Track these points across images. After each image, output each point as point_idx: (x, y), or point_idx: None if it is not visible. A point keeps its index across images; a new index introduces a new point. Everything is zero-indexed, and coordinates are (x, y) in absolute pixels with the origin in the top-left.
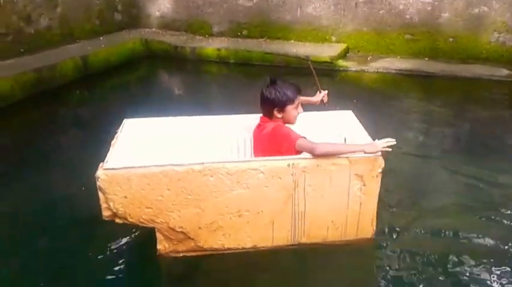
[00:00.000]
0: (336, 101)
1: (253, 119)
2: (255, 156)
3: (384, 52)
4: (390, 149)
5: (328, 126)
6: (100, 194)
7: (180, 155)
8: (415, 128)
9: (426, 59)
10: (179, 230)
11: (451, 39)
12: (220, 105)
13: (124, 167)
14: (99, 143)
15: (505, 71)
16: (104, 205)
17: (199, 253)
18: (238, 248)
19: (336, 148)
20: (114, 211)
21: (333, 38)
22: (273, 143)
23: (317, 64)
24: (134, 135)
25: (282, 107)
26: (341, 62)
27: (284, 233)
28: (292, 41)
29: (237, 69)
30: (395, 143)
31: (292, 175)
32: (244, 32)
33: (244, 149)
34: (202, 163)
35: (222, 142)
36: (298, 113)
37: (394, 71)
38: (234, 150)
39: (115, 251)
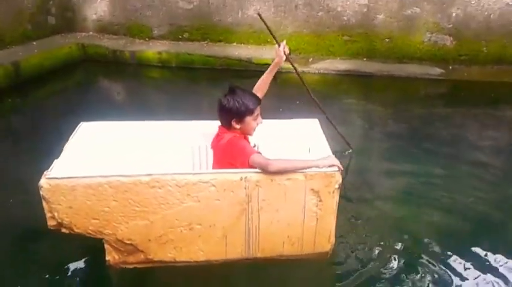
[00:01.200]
0: (279, 103)
1: (213, 126)
2: (213, 166)
3: (324, 53)
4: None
5: (291, 135)
6: (44, 204)
7: (134, 161)
8: (356, 127)
9: (364, 59)
10: (128, 242)
11: (387, 40)
12: (162, 111)
13: (68, 177)
14: (34, 152)
15: (438, 70)
16: (48, 215)
17: (149, 265)
18: (190, 261)
19: (289, 164)
20: (59, 221)
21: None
22: (227, 155)
23: (259, 66)
24: (88, 139)
25: (240, 117)
26: (283, 64)
27: (238, 248)
28: (234, 43)
29: (179, 73)
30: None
31: (245, 188)
32: (186, 35)
33: (199, 156)
34: (150, 175)
35: (180, 149)
36: (258, 124)
37: (334, 72)
38: (189, 157)
39: (62, 261)
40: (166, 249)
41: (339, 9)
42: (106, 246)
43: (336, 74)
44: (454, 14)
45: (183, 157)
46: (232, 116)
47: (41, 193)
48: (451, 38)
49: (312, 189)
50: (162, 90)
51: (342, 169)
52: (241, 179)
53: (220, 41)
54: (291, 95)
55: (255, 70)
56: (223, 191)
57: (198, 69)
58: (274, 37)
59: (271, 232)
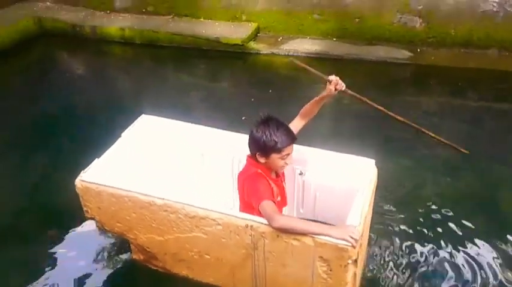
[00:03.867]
0: (251, 90)
1: None
2: (238, 192)
3: (294, 32)
4: (357, 240)
5: (335, 174)
6: (80, 198)
7: (176, 165)
8: (327, 117)
9: (334, 39)
10: (148, 249)
11: (357, 20)
12: (126, 96)
13: (95, 183)
14: None
15: (406, 53)
16: (84, 208)
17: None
18: (202, 282)
19: (297, 225)
20: (91, 217)
21: (243, 17)
22: (244, 191)
23: (228, 47)
24: (140, 134)
25: (265, 152)
26: (252, 45)
27: (246, 284)
28: (202, 19)
29: (143, 50)
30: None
31: (250, 236)
32: (150, 8)
33: (238, 170)
34: (163, 199)
35: (223, 158)
36: (286, 164)
37: (303, 55)
38: (229, 169)
39: (92, 250)
40: (181, 266)
41: None
42: (131, 246)
43: (305, 57)
44: None
45: (223, 167)
46: (258, 148)
47: (76, 189)
48: (421, 20)
49: (321, 257)
50: (125, 71)
51: (356, 244)
52: (246, 226)
53: (186, 15)
54: (262, 82)
55: (223, 50)
56: (229, 233)
57: (163, 48)
58: (319, 74)
59: (279, 282)
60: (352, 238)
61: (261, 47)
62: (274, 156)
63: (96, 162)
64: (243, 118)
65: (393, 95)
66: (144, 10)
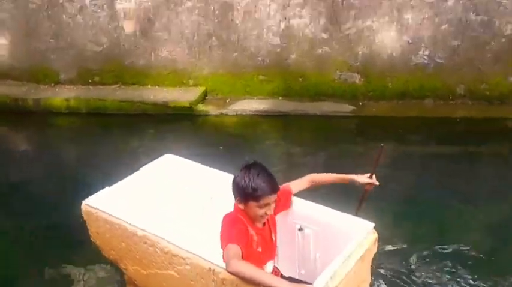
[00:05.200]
0: (200, 149)
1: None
2: None
3: (241, 94)
4: None
5: (334, 235)
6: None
7: (182, 207)
8: (277, 171)
9: (280, 98)
10: (135, 283)
11: (300, 79)
12: (75, 163)
13: (94, 207)
14: None
15: (349, 107)
16: (88, 232)
17: None
18: None
19: (248, 272)
20: (93, 241)
21: (190, 82)
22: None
23: (176, 110)
24: (158, 171)
25: (244, 198)
26: (201, 107)
27: None
28: (149, 86)
29: (90, 120)
30: None
31: (213, 281)
32: (96, 79)
33: None
34: (144, 230)
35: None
36: (267, 214)
37: (251, 113)
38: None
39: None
40: None
41: (253, 49)
42: (125, 276)
43: (253, 115)
44: (360, 53)
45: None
46: (237, 193)
47: (82, 213)
48: (359, 76)
49: None
50: (72, 141)
51: None
52: (209, 269)
53: (134, 84)
54: (212, 140)
55: (171, 114)
56: (196, 275)
57: (111, 116)
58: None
59: None
60: None
61: (209, 109)
62: (252, 204)
63: (106, 190)
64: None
65: (340, 145)
66: (90, 81)
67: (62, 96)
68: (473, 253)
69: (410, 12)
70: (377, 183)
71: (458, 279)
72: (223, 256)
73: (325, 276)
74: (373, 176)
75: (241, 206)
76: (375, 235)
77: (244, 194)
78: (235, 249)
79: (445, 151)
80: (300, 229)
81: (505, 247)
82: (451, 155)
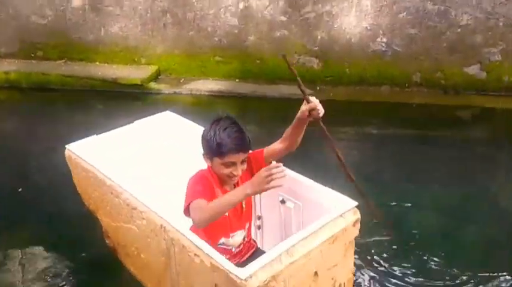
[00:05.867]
0: None
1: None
2: None
3: (196, 74)
4: (282, 178)
5: (316, 210)
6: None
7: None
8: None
9: (237, 80)
10: (108, 235)
11: (258, 61)
12: (15, 138)
13: (74, 153)
14: None
15: (307, 91)
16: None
17: None
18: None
19: (209, 212)
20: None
21: (143, 60)
22: None
23: (127, 87)
24: (151, 127)
25: (208, 154)
26: (153, 85)
27: None
28: (98, 63)
29: (32, 95)
30: (282, 170)
31: (164, 240)
32: (40, 53)
33: None
34: (111, 180)
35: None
36: (233, 175)
37: (207, 93)
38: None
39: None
40: (128, 262)
41: (210, 29)
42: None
43: (209, 95)
44: (319, 37)
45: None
46: (203, 147)
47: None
48: (318, 60)
49: (216, 284)
50: (12, 115)
51: (282, 177)
52: (161, 226)
53: (81, 60)
54: None
55: (121, 91)
56: (150, 232)
57: (55, 91)
58: (300, 85)
59: None
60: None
61: (162, 87)
62: (217, 161)
63: (91, 137)
64: None
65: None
66: (33, 55)
67: (0, 69)
68: (428, 233)
69: None
70: (319, 106)
71: (412, 257)
72: (184, 214)
73: (279, 249)
74: (308, 100)
75: (208, 163)
76: (356, 216)
77: (209, 149)
78: (199, 203)
79: (401, 134)
80: (282, 202)
81: (458, 227)
82: (407, 138)
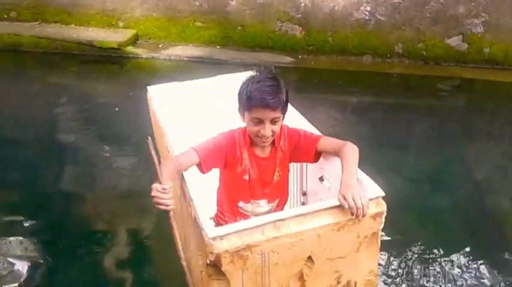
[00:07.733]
0: (128, 90)
1: None
2: None
3: (176, 40)
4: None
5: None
6: None
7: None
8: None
9: (218, 47)
10: None
11: (239, 28)
12: None
13: (149, 95)
14: None
15: (288, 59)
16: None
17: None
18: None
19: (163, 167)
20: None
21: (120, 24)
22: None
23: (103, 50)
24: None
25: (240, 107)
26: (130, 49)
27: None
28: (73, 25)
29: (3, 56)
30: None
31: (179, 188)
32: (12, 14)
33: None
34: (164, 129)
35: None
36: (262, 134)
37: (186, 59)
38: None
39: None
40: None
41: None
42: None
43: (188, 60)
44: (302, 5)
45: None
46: (238, 101)
47: None
48: (300, 28)
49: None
50: None
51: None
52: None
53: (56, 22)
54: (142, 82)
55: (97, 54)
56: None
57: (27, 53)
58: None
59: None
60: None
61: (140, 51)
62: (247, 116)
63: (173, 83)
64: (116, 109)
65: None
66: (5, 16)
67: None
68: (402, 197)
69: None
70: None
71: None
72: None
73: (265, 219)
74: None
75: (242, 119)
76: (378, 209)
77: (240, 101)
78: (181, 155)
79: (381, 102)
80: (321, 179)
81: (432, 193)
82: (386, 106)
